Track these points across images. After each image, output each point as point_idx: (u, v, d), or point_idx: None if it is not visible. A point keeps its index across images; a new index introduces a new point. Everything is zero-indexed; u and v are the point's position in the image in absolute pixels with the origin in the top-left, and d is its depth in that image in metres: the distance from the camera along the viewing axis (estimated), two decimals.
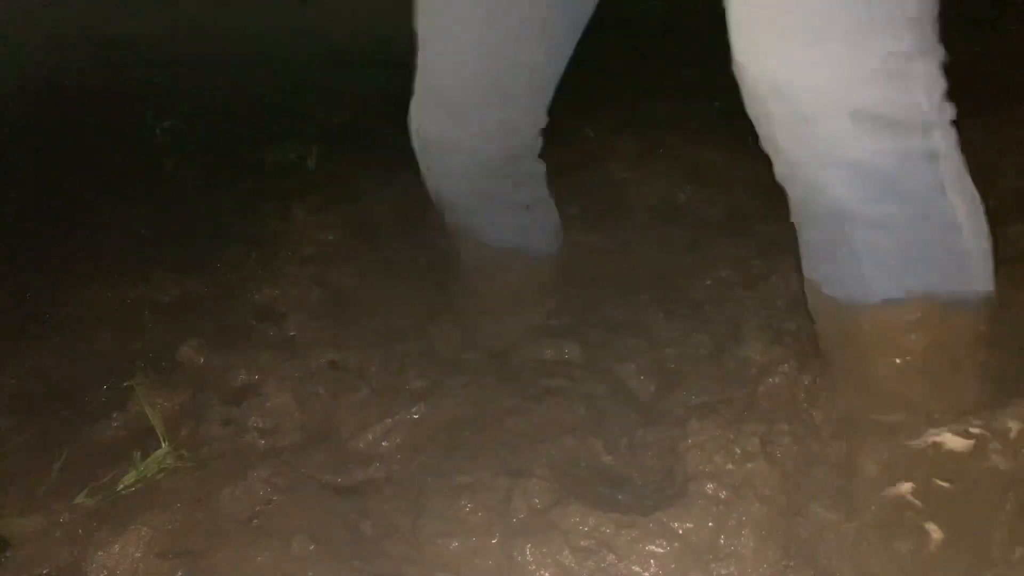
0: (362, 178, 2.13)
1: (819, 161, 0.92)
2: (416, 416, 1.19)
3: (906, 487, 0.93)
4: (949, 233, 0.94)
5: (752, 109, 0.92)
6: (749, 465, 0.97)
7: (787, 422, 1.03)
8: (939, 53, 0.90)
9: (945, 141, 0.91)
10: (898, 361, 0.97)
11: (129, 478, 1.15)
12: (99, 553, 1.01)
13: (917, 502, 0.91)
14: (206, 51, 3.74)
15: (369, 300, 1.56)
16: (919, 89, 0.88)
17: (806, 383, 1.10)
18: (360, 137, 2.52)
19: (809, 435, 1.03)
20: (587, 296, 1.45)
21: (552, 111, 1.26)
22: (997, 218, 1.58)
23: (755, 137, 0.96)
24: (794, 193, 0.97)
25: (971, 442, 0.93)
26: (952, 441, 0.94)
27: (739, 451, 0.99)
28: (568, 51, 1.21)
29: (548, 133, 1.29)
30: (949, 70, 0.90)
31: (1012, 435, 0.93)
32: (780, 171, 0.96)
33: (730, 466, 0.98)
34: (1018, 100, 1.99)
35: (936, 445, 0.94)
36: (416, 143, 1.26)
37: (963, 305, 0.96)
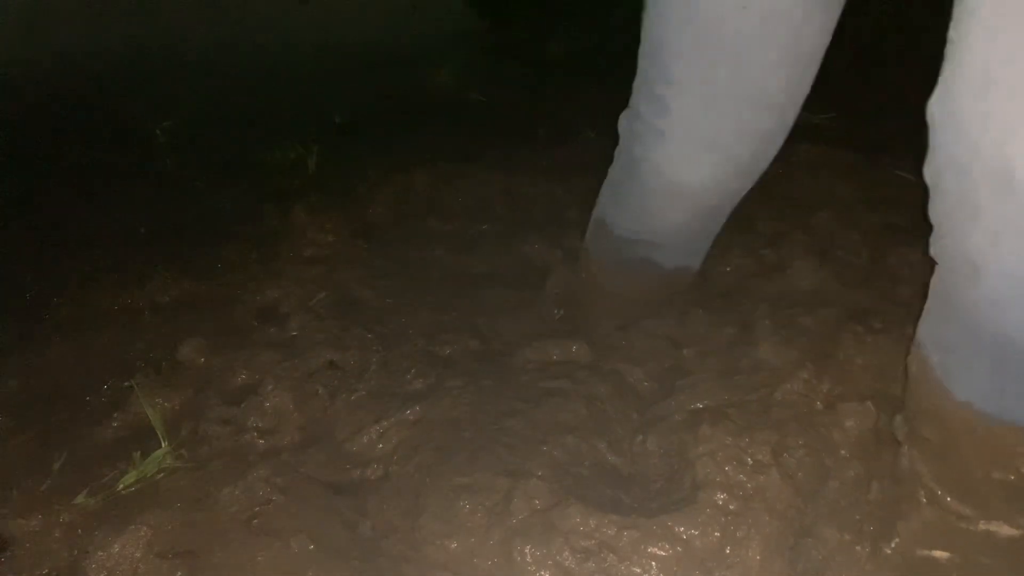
0: (362, 178, 2.13)
1: (1008, 278, 0.79)
2: (415, 416, 1.19)
3: (941, 554, 0.91)
4: None
5: (944, 173, 0.80)
6: (761, 477, 0.96)
7: (801, 433, 1.02)
8: None
9: None
10: (995, 475, 0.90)
11: (129, 478, 1.15)
12: (99, 553, 1.01)
13: (947, 566, 0.90)
14: (206, 51, 3.74)
15: (369, 300, 1.56)
16: None
17: (824, 391, 1.09)
18: (360, 137, 2.52)
19: (824, 449, 1.01)
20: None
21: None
22: None
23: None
24: (942, 271, 0.85)
25: None
26: (1006, 531, 0.92)
27: (751, 461, 0.98)
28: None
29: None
30: None
31: None
32: (948, 258, 0.84)
33: (741, 476, 0.97)
34: None
35: (988, 533, 0.92)
36: (663, 188, 1.19)
37: None
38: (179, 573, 0.98)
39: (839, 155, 2.03)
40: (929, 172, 0.85)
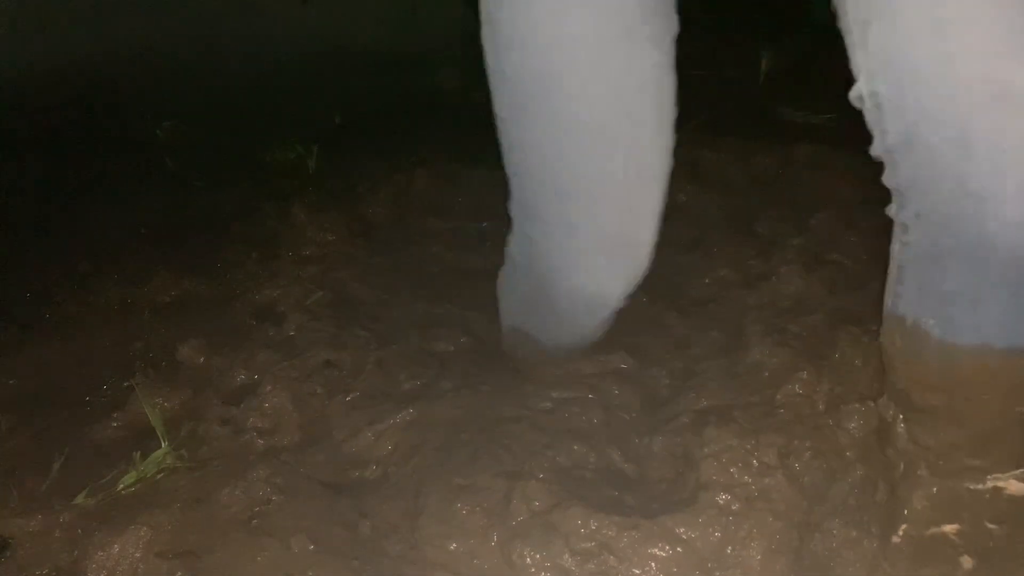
0: (362, 178, 2.13)
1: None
2: (414, 416, 1.19)
3: (950, 528, 0.91)
4: None
5: (908, 135, 0.83)
6: (766, 479, 0.96)
7: (807, 435, 1.01)
8: None
9: None
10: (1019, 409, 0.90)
11: (129, 478, 1.15)
12: (99, 553, 1.01)
13: (957, 539, 0.90)
14: (206, 51, 3.74)
15: (368, 300, 1.56)
16: None
17: (825, 391, 1.09)
18: (360, 137, 2.52)
19: (830, 451, 1.00)
20: None
21: None
22: None
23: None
24: (930, 225, 0.87)
25: None
26: (1013, 486, 0.91)
27: (756, 464, 0.97)
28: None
29: None
30: None
31: None
32: (916, 204, 0.86)
33: (747, 478, 0.96)
34: None
35: (996, 491, 0.91)
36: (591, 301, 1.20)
37: None
38: (179, 573, 0.98)
39: (839, 155, 2.03)
40: (883, 147, 0.87)
